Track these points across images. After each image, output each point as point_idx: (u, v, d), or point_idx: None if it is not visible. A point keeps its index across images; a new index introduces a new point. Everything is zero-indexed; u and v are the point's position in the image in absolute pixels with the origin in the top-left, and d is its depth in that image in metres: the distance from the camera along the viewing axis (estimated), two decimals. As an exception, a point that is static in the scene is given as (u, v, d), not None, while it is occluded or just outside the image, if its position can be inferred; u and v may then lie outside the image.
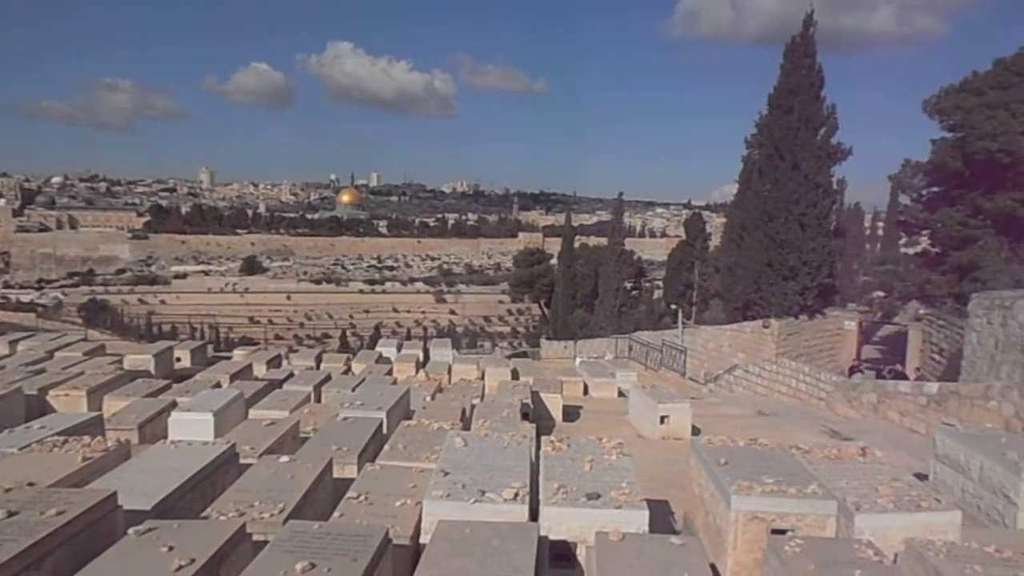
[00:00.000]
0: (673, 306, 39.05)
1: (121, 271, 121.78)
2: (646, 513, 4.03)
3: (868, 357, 25.81)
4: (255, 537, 3.89)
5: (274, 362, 13.72)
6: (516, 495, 4.16)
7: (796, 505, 4.22)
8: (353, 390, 9.85)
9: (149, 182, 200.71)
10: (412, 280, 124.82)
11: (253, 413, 8.23)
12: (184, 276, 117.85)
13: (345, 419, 7.14)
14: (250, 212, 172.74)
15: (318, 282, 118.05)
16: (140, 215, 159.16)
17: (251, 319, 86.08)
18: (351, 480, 5.16)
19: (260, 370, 12.69)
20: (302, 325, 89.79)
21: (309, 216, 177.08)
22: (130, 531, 3.59)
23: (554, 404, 10.45)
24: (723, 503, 4.39)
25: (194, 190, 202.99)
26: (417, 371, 13.27)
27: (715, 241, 49.48)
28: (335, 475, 5.49)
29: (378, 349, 15.81)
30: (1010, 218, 23.40)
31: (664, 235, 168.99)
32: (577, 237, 67.41)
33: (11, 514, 3.61)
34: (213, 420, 7.38)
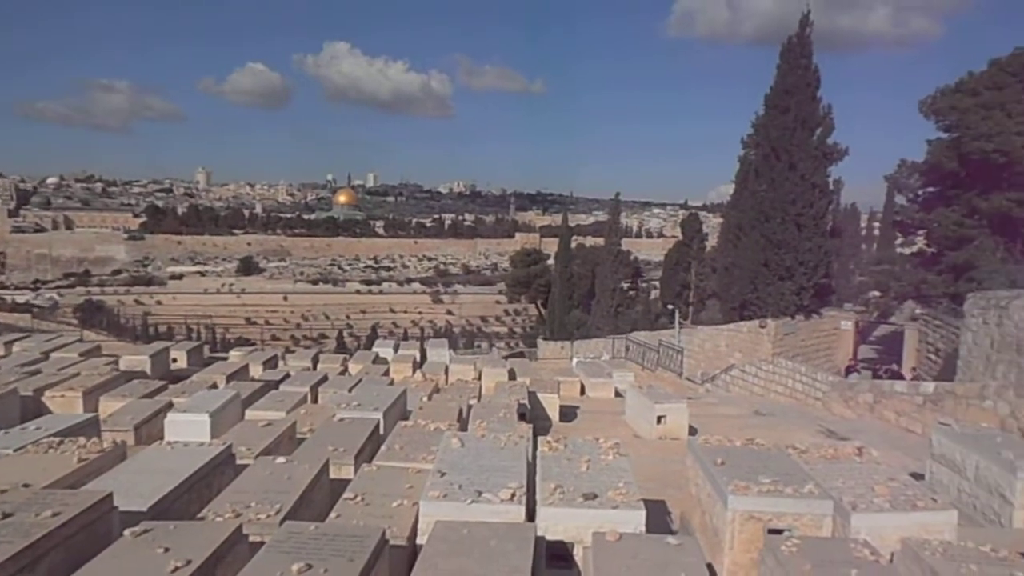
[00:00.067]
0: (670, 306, 39.08)
1: (117, 272, 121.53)
2: (643, 513, 4.03)
3: (864, 357, 25.88)
4: (251, 538, 3.88)
5: (270, 363, 13.70)
6: (513, 495, 4.16)
7: (792, 505, 4.23)
8: (350, 391, 9.84)
9: (145, 183, 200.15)
10: (409, 280, 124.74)
11: (249, 414, 8.22)
12: (180, 277, 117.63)
13: (342, 420, 7.13)
14: (246, 213, 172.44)
15: (315, 283, 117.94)
16: (136, 216, 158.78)
17: (247, 320, 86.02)
18: (348, 481, 5.15)
19: (256, 371, 12.67)
20: (299, 326, 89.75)
21: (306, 216, 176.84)
22: (126, 532, 3.58)
23: (551, 404, 10.45)
24: (720, 503, 4.40)
25: (190, 191, 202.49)
26: (414, 372, 13.27)
27: (712, 241, 49.55)
28: (332, 476, 5.48)
29: (375, 350, 15.81)
30: (1006, 218, 23.49)
31: (661, 235, 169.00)
32: (574, 237, 67.48)
33: (6, 516, 3.59)
34: (209, 421, 7.36)
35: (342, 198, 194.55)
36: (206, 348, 16.72)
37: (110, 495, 4.07)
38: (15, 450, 5.46)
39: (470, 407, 8.41)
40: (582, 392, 13.17)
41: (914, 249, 32.50)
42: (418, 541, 3.99)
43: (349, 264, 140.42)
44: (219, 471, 5.30)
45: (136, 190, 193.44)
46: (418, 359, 14.66)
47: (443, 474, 4.49)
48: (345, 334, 74.56)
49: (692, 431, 9.36)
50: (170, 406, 8.37)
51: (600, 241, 59.93)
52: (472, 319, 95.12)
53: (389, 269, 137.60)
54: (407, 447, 5.91)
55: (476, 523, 3.79)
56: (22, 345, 13.71)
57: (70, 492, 4.19)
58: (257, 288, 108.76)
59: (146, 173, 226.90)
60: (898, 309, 31.69)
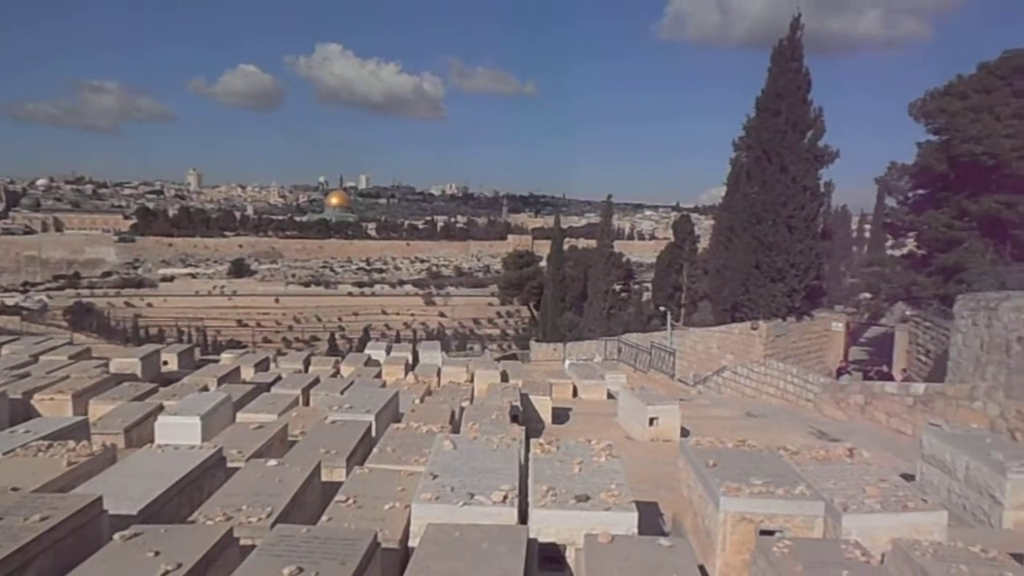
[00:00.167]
0: (662, 308, 39.11)
1: (107, 274, 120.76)
2: (635, 515, 4.03)
3: (855, 358, 25.99)
4: (243, 542, 3.86)
5: (262, 365, 13.65)
6: (505, 498, 4.16)
7: (784, 506, 4.24)
8: (342, 393, 9.82)
9: (136, 184, 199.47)
10: (401, 282, 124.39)
11: (241, 417, 8.20)
12: (171, 279, 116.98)
13: (334, 422, 7.12)
14: (238, 214, 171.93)
15: (306, 285, 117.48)
16: (127, 217, 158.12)
17: (239, 322, 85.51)
18: (340, 483, 5.14)
19: (248, 373, 12.63)
20: (290, 328, 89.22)
21: (297, 218, 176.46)
22: (116, 536, 3.56)
23: (543, 406, 10.46)
24: (712, 504, 4.40)
25: (181, 192, 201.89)
26: (406, 374, 13.24)
27: (703, 243, 49.72)
28: (323, 478, 5.47)
29: (367, 352, 15.77)
30: (995, 220, 23.65)
31: (653, 237, 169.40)
32: (566, 239, 67.53)
33: (-6, 520, 3.56)
34: (200, 424, 7.33)
35: (334, 200, 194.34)
36: (197, 351, 16.65)
37: (100, 499, 4.04)
38: (4, 453, 5.41)
39: (462, 409, 8.40)
40: (574, 394, 13.17)
41: (904, 251, 32.65)
42: (410, 544, 3.98)
43: (341, 266, 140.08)
44: (210, 474, 5.27)
45: (127, 192, 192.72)
46: (410, 361, 14.64)
47: (435, 476, 4.48)
48: (337, 336, 74.19)
49: (684, 433, 9.38)
50: (161, 409, 8.33)
51: (592, 243, 59.94)
52: (464, 321, 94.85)
53: (381, 271, 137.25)
54: (399, 449, 5.90)
55: (468, 525, 3.79)
56: (11, 348, 13.62)
57: (59, 496, 4.16)
58: (248, 290, 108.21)
59: (137, 175, 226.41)
60: (889, 311, 31.80)
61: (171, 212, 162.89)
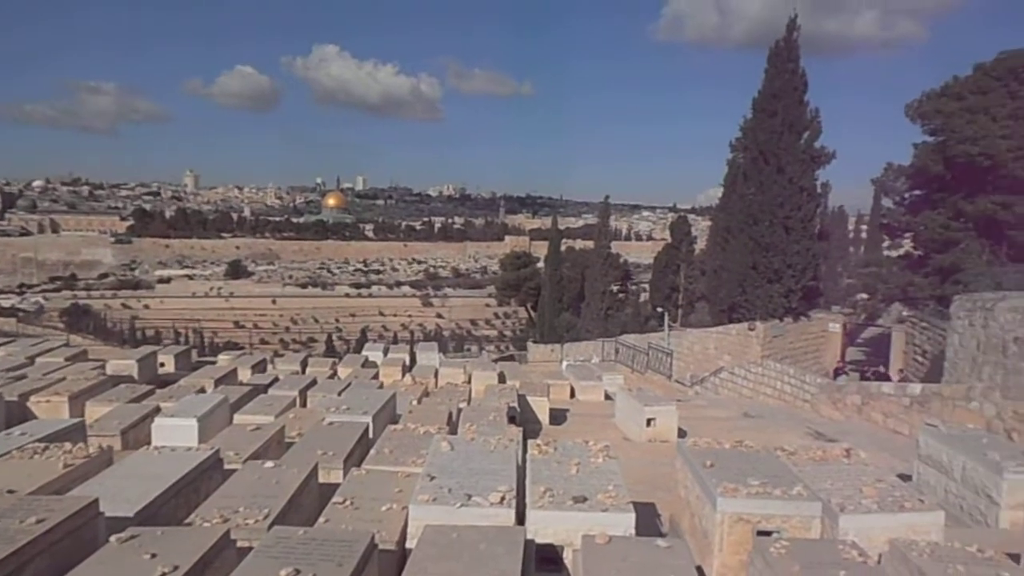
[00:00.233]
0: (659, 309, 39.15)
1: (104, 275, 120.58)
2: (632, 516, 4.03)
3: (852, 359, 26.00)
4: (239, 543, 3.86)
5: (259, 367, 13.64)
6: (502, 499, 4.16)
7: (781, 507, 4.24)
8: (339, 395, 9.81)
9: (132, 186, 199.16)
10: (398, 284, 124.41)
11: (238, 418, 8.19)
12: (168, 280, 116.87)
13: (331, 424, 7.11)
14: (235, 216, 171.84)
15: (304, 286, 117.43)
16: (123, 219, 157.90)
17: (236, 324, 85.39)
18: (337, 485, 5.14)
19: (245, 375, 12.62)
20: (287, 329, 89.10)
21: (295, 220, 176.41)
22: (112, 538, 3.55)
23: (541, 407, 10.46)
24: (709, 505, 4.41)
25: (178, 194, 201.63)
26: (403, 375, 13.25)
27: (700, 244, 49.71)
28: (321, 480, 5.46)
29: (364, 353, 15.78)
30: (991, 221, 23.69)
31: (650, 238, 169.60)
32: (564, 240, 67.49)
33: (-10, 522, 3.55)
34: (197, 426, 7.32)
35: (331, 201, 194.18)
36: (194, 352, 16.65)
37: (96, 501, 4.03)
38: (0, 456, 5.40)
39: (460, 410, 8.40)
40: (572, 395, 13.18)
41: (901, 252, 32.70)
42: (407, 545, 3.98)
43: (338, 267, 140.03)
44: (207, 476, 5.27)
45: (123, 193, 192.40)
46: (408, 362, 14.64)
47: (433, 478, 4.48)
48: (334, 338, 74.20)
49: (681, 433, 9.39)
50: (157, 411, 8.32)
51: (590, 244, 59.98)
52: (462, 322, 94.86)
53: (378, 272, 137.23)
54: (396, 451, 5.90)
55: (465, 527, 3.79)
56: (7, 350, 13.59)
57: (55, 498, 4.15)
58: (245, 292, 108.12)
59: (133, 176, 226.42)
60: (885, 311, 31.84)
61: (168, 213, 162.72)
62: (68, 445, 5.56)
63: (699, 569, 4.06)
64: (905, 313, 26.01)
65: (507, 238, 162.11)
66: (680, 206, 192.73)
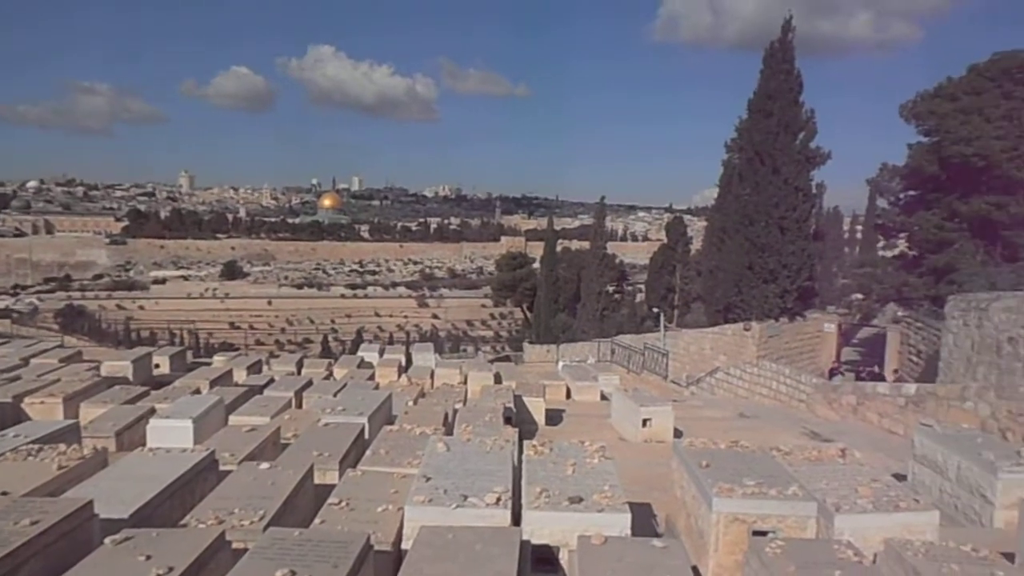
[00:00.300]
0: (655, 309, 39.25)
1: (99, 276, 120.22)
2: (628, 516, 4.03)
3: (847, 359, 26.10)
4: (235, 545, 3.85)
5: (254, 368, 13.60)
6: (498, 500, 4.15)
7: (777, 507, 4.25)
8: (335, 395, 9.78)
9: (127, 186, 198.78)
10: (394, 284, 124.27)
11: (233, 419, 8.16)
12: (163, 281, 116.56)
13: (326, 425, 7.10)
14: (230, 217, 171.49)
15: (299, 287, 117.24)
16: (118, 220, 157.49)
17: (231, 324, 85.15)
18: (332, 486, 5.11)
19: (240, 376, 12.57)
20: (283, 330, 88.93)
21: (290, 220, 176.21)
22: (107, 540, 3.54)
23: (537, 408, 10.45)
24: (705, 505, 4.41)
25: (173, 194, 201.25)
26: (399, 376, 13.23)
27: (696, 245, 49.77)
28: (316, 481, 5.45)
29: (360, 354, 15.75)
30: (985, 221, 23.79)
31: (646, 239, 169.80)
32: (559, 241, 67.53)
33: (-16, 524, 3.54)
34: (192, 427, 7.30)
35: (327, 202, 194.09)
36: (189, 353, 16.60)
37: (90, 502, 4.02)
38: (-7, 457, 5.38)
39: (456, 411, 8.39)
40: (568, 396, 13.17)
41: (896, 252, 32.78)
42: (403, 546, 3.97)
43: (334, 268, 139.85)
44: (202, 477, 5.25)
45: (118, 194, 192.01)
46: (403, 363, 14.62)
47: (428, 479, 4.47)
48: (330, 338, 74.14)
49: (677, 434, 9.39)
50: (152, 412, 8.29)
51: (586, 245, 59.96)
52: (458, 323, 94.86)
53: (374, 273, 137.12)
54: (392, 452, 5.89)
55: (461, 528, 3.78)
56: (1, 351, 13.53)
57: (50, 500, 4.13)
58: (241, 293, 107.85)
59: (128, 177, 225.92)
60: (880, 311, 31.93)
61: (163, 214, 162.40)
62: (62, 447, 5.53)
63: (695, 569, 4.07)
64: (900, 313, 26.10)
65: (503, 239, 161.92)
66: (676, 207, 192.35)
